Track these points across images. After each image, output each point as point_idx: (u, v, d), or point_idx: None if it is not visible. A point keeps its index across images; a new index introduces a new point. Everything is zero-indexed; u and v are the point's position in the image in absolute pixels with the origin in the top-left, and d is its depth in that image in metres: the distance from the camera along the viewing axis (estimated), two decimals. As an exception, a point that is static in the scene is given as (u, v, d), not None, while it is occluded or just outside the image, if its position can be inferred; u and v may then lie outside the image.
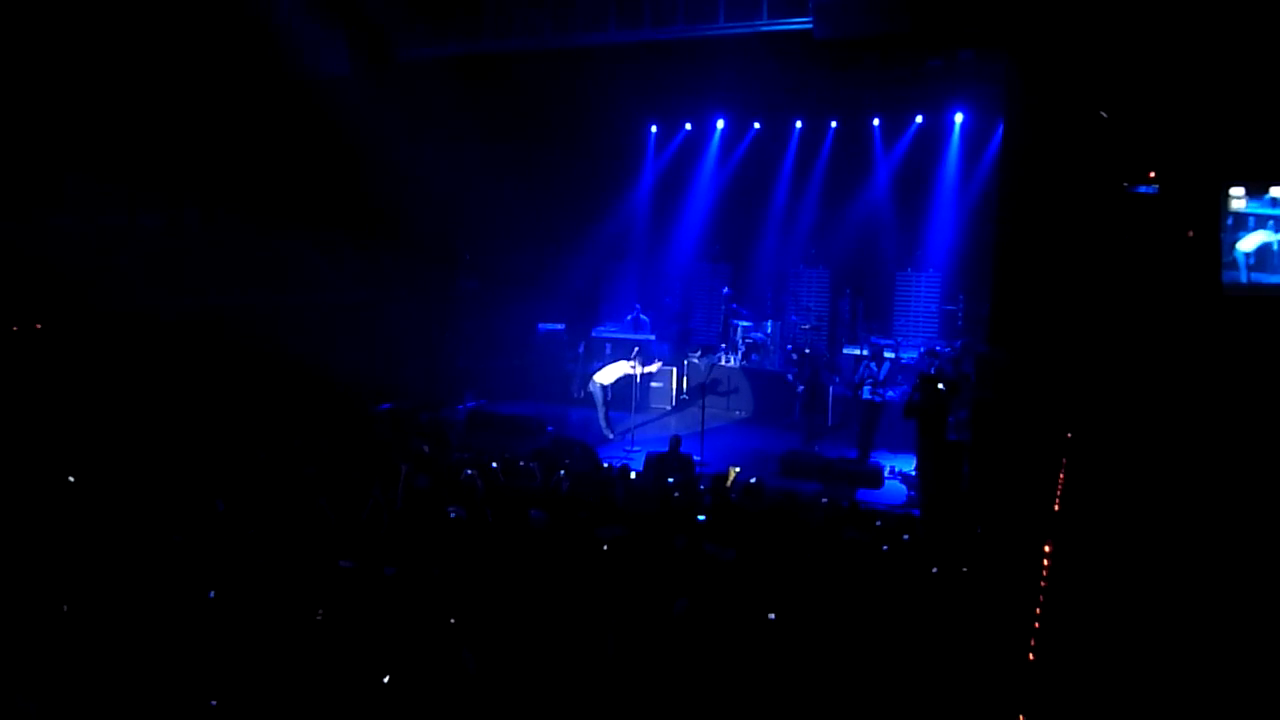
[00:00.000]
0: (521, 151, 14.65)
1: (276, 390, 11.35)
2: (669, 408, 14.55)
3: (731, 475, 9.56)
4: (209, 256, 11.74)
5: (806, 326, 14.93)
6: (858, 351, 13.14)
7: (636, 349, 13.32)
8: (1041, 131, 8.71)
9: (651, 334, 15.62)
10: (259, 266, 12.20)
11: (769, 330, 14.82)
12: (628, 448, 12.11)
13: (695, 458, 10.93)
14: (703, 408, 12.13)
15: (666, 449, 10.22)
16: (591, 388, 12.84)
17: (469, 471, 7.91)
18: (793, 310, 15.52)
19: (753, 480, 8.66)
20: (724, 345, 14.89)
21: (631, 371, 12.80)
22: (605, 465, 9.99)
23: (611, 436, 12.65)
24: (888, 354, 12.32)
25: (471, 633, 5.03)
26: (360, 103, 12.11)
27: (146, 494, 7.18)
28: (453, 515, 7.19)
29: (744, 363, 14.43)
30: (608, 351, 14.86)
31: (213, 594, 5.29)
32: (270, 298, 12.38)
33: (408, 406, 13.04)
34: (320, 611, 5.10)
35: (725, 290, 15.64)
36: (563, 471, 8.90)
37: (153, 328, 10.84)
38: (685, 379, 14.81)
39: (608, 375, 12.78)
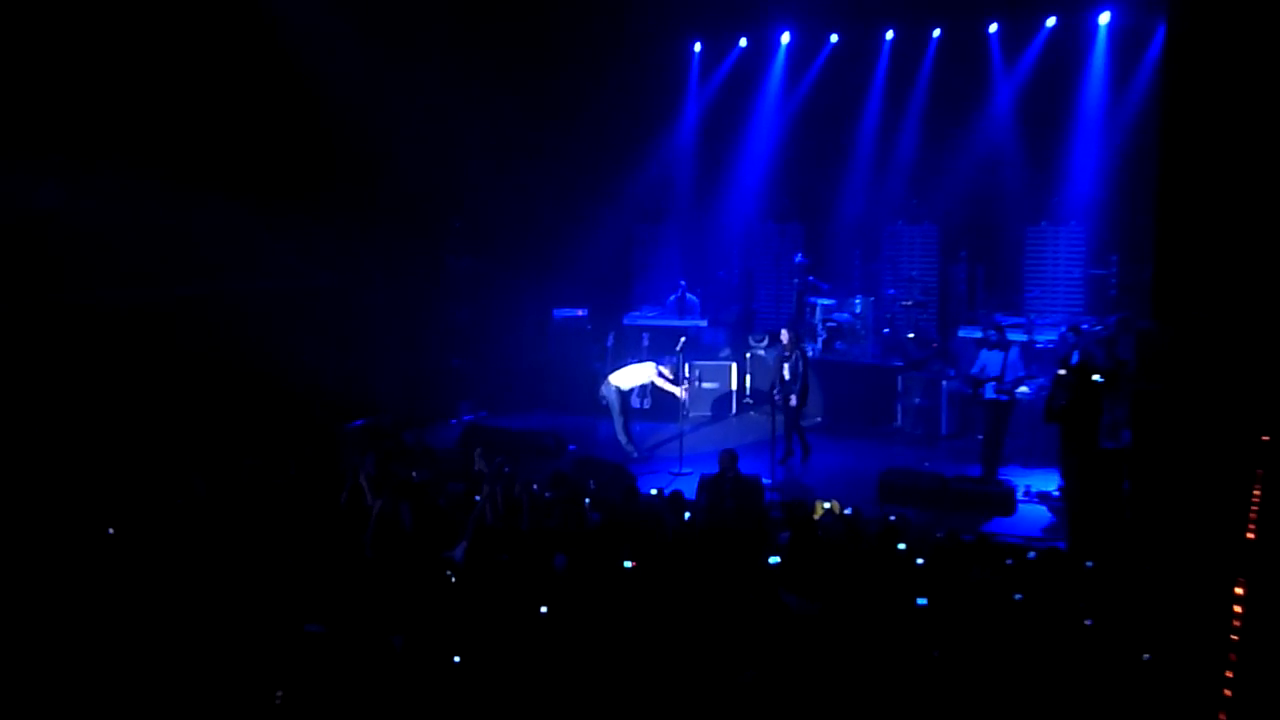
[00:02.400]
0: (527, 86, 14.70)
1: (221, 403, 11.50)
2: (730, 414, 14.53)
3: (820, 510, 9.54)
4: (129, 239, 11.86)
5: (908, 303, 14.80)
6: (978, 335, 12.99)
7: (683, 339, 13.29)
8: (1220, 34, 8.51)
9: (702, 319, 15.60)
10: (194, 249, 12.31)
11: (858, 310, 14.73)
12: (675, 470, 12.11)
13: (765, 481, 10.89)
14: (773, 414, 12.09)
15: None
16: (604, 390, 12.84)
17: (477, 498, 8.03)
18: (889, 282, 15.40)
19: (848, 511, 8.62)
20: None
21: (658, 381, 12.84)
22: (654, 491, 10.02)
23: (636, 455, 12.65)
24: (1018, 336, 12.17)
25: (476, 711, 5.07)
26: (317, 31, 12.20)
27: (61, 539, 7.33)
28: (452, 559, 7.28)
29: (826, 353, 14.34)
30: (645, 343, 14.85)
31: (148, 669, 5.38)
32: (210, 287, 12.52)
33: (387, 422, 13.16)
34: (280, 692, 5.15)
35: (799, 258, 15.58)
36: (589, 501, 8.92)
37: (68, 329, 11.00)
38: (749, 376, 14.77)
39: (625, 378, 12.78)
